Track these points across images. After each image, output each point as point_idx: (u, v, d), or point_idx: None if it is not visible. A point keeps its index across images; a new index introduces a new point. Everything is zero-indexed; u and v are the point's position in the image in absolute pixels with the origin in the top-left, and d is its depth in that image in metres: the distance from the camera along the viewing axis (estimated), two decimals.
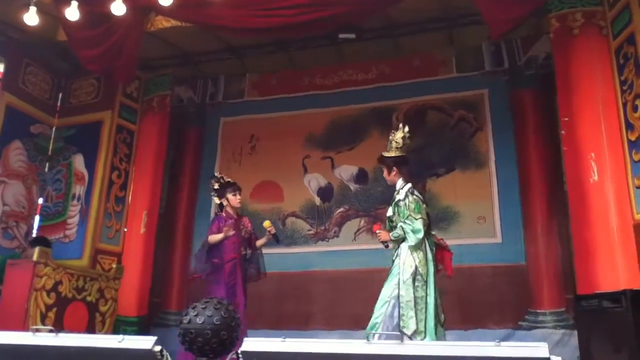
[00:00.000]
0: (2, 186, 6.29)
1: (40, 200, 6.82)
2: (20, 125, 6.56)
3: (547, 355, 2.07)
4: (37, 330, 2.87)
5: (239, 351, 2.48)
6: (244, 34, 6.16)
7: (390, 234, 4.17)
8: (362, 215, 6.68)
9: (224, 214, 5.19)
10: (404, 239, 4.09)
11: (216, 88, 7.78)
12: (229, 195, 5.16)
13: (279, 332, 5.21)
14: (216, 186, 5.25)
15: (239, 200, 5.16)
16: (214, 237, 5.03)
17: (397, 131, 4.37)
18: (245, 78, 7.66)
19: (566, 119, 5.30)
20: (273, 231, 5.08)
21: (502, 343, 2.14)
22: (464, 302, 5.93)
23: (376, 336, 3.65)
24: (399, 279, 4.03)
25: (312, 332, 5.91)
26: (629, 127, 4.82)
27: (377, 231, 4.36)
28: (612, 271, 4.63)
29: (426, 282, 3.97)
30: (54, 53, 6.93)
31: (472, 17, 5.98)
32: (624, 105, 4.90)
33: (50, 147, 6.99)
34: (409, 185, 4.23)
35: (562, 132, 5.39)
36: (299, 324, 6.11)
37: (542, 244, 5.87)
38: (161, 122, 7.16)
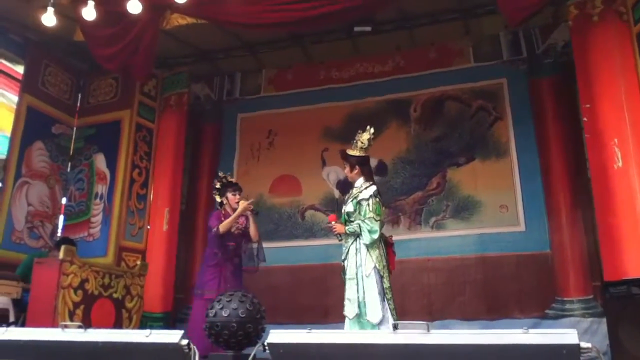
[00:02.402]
0: (26, 186, 6.39)
1: (64, 200, 6.91)
2: (41, 126, 6.65)
3: (576, 341, 2.05)
4: (66, 326, 2.93)
5: (266, 342, 2.50)
6: (257, 29, 6.19)
7: (346, 228, 4.21)
8: None
9: (223, 212, 5.22)
10: (357, 235, 4.16)
11: (232, 84, 7.81)
12: (229, 195, 5.20)
13: (299, 326, 5.19)
14: (218, 185, 5.30)
15: (237, 200, 5.18)
16: (226, 223, 4.97)
17: (363, 132, 4.40)
18: (262, 74, 7.68)
19: (588, 105, 5.24)
20: (249, 208, 5.04)
21: (530, 330, 2.13)
22: (489, 292, 5.92)
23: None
24: (361, 274, 4.10)
25: (332, 325, 5.89)
26: None
27: (332, 222, 4.34)
28: None
29: (382, 276, 4.06)
30: (72, 54, 7.01)
31: (488, 6, 5.95)
32: None
33: (72, 147, 7.08)
34: (374, 187, 4.27)
35: (584, 119, 5.31)
36: (318, 316, 6.11)
37: (567, 232, 5.82)
38: (179, 120, 7.21)
